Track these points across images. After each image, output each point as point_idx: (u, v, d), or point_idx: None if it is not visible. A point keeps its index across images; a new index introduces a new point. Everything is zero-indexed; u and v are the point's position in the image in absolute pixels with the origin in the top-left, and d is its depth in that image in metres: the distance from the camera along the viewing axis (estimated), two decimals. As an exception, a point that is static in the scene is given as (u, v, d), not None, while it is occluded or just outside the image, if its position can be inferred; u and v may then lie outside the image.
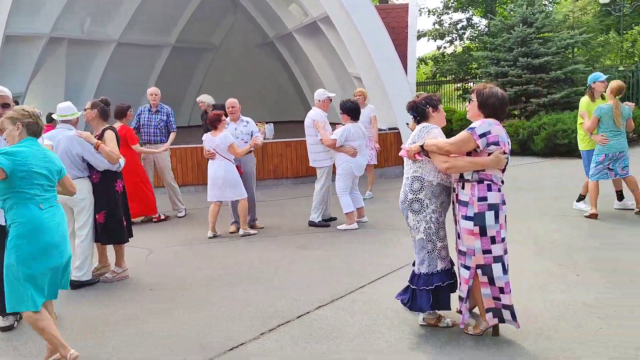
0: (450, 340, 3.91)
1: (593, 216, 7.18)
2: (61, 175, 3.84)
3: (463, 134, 3.80)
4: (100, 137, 5.57)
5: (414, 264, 4.18)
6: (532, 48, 16.04)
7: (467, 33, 28.03)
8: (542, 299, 4.55)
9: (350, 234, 7.08)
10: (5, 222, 3.67)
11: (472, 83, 21.86)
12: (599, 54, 21.06)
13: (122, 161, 5.63)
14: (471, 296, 3.99)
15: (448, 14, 28.19)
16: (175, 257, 6.45)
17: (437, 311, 4.13)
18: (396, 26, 12.67)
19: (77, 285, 5.35)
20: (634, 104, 7.67)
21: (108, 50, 15.28)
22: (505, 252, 3.86)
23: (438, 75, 26.58)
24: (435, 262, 4.03)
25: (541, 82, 15.87)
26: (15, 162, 3.51)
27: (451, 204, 4.08)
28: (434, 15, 28.57)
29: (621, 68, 19.40)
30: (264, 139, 11.25)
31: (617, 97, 7.09)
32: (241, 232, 7.25)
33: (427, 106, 4.13)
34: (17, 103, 5.08)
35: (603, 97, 7.47)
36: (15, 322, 4.50)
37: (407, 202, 4.06)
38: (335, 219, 7.75)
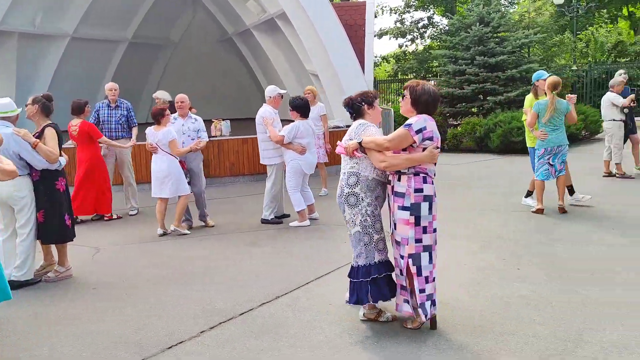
0: (389, 335, 3.95)
1: (539, 211, 7.37)
2: None
3: (400, 130, 3.87)
4: (41, 134, 5.44)
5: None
6: (488, 47, 16.33)
7: (428, 32, 28.37)
8: (482, 293, 4.64)
9: (301, 231, 7.09)
10: None
11: (433, 81, 22.12)
12: (553, 54, 21.56)
13: (62, 160, 5.50)
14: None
15: (409, 12, 28.50)
16: (123, 256, 6.35)
17: (377, 306, 4.18)
18: (354, 24, 12.72)
19: (17, 285, 5.21)
20: (575, 95, 7.83)
21: (61, 44, 14.93)
22: (435, 242, 4.00)
23: (400, 73, 26.83)
24: (372, 254, 4.08)
25: (498, 80, 16.18)
26: None
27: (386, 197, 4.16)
28: (395, 13, 28.82)
29: (574, 67, 19.91)
30: (220, 135, 11.21)
31: (554, 92, 7.24)
32: (172, 228, 7.07)
33: (363, 103, 4.18)
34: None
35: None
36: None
37: (343, 196, 4.11)
38: (288, 215, 7.75)
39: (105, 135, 8.24)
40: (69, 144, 8.55)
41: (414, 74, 26.03)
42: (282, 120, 7.74)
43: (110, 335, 4.14)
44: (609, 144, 10.05)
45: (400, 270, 4.01)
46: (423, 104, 3.91)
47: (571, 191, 7.83)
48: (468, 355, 3.61)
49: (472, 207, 8.04)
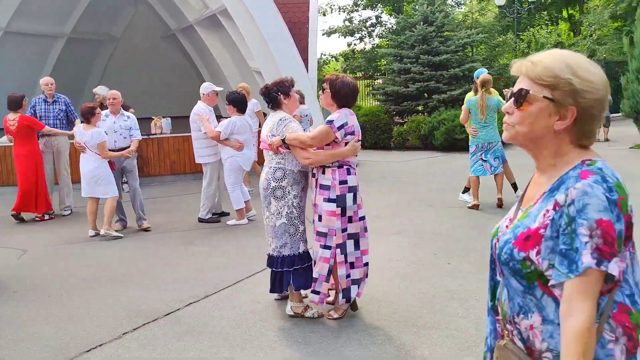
0: (314, 332, 3.93)
1: (475, 207, 7.51)
2: None
3: (322, 128, 3.91)
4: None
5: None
6: (433, 46, 16.58)
7: (377, 30, 28.60)
8: (410, 288, 4.67)
9: (237, 229, 7.00)
10: None
11: (380, 80, 22.32)
12: (497, 54, 22.09)
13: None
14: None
15: (357, 11, 28.64)
16: (51, 257, 6.12)
17: (304, 300, 4.21)
18: (297, 21, 12.69)
19: None
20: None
21: (-6, 39, 14.33)
22: (366, 229, 4.09)
23: (348, 71, 26.94)
24: (297, 244, 4.14)
25: (442, 78, 16.45)
26: None
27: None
28: (344, 12, 28.92)
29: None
30: (161, 133, 10.97)
31: (483, 89, 7.39)
32: (102, 231, 6.73)
33: (279, 93, 4.16)
34: None
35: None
36: None
37: (270, 189, 4.11)
38: (227, 214, 7.65)
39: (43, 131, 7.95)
40: (4, 140, 8.24)
41: (363, 72, 26.20)
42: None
43: (28, 339, 3.97)
44: (543, 141, 10.33)
45: (315, 262, 4.05)
46: (343, 97, 3.96)
47: (515, 188, 7.98)
48: (390, 349, 3.63)
49: (411, 203, 8.13)
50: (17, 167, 7.72)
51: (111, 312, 4.45)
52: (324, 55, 29.63)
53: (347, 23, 28.48)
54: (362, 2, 28.33)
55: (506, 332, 1.52)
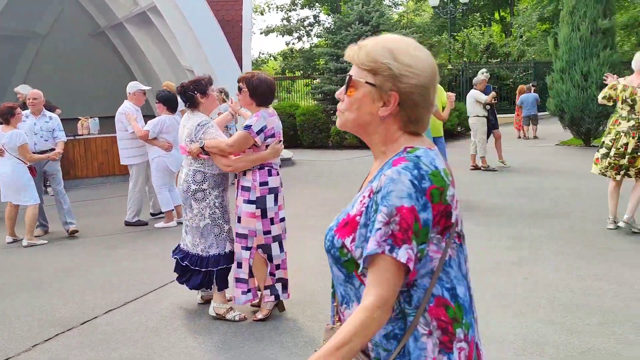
0: (236, 335, 3.83)
1: None
2: None
3: (241, 134, 3.82)
4: None
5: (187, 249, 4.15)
6: (368, 45, 16.71)
7: (315, 30, 28.67)
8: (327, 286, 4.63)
9: (165, 232, 6.80)
10: None
11: (318, 79, 22.37)
12: (432, 53, 22.50)
13: None
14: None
15: (295, 10, 28.61)
16: (-39, 267, 5.75)
17: (227, 301, 4.16)
18: (231, 19, 12.48)
19: None
20: (454, 94, 8.09)
21: None
22: (284, 231, 4.07)
23: (287, 70, 26.89)
24: (224, 243, 4.08)
25: (377, 78, 16.60)
26: None
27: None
28: (282, 11, 28.83)
29: (450, 67, 20.91)
30: (88, 133, 10.57)
31: None
32: (24, 242, 6.37)
33: (195, 92, 4.05)
34: None
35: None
36: None
37: (190, 192, 4.02)
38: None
39: None
40: None
41: (301, 72, 26.20)
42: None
43: None
44: (474, 139, 10.61)
45: (239, 263, 3.97)
46: (261, 94, 3.88)
47: None
48: (312, 351, 3.56)
49: (346, 200, 8.11)
50: None
51: (24, 322, 4.21)
52: (263, 54, 29.49)
53: (285, 22, 28.41)
54: (300, 2, 28.32)
55: (337, 318, 1.50)
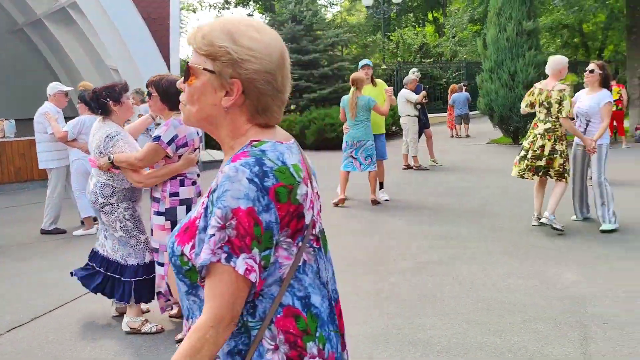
0: (151, 349, 3.59)
1: (340, 202, 7.55)
2: None
3: (150, 146, 3.55)
4: None
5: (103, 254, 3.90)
6: (302, 45, 16.62)
7: (250, 29, 28.33)
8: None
9: (84, 240, 6.41)
10: None
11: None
12: (367, 53, 22.70)
13: None
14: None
15: (229, 9, 28.19)
16: None
17: (142, 313, 3.91)
18: (158, 17, 12.07)
19: None
20: (391, 88, 8.02)
21: None
22: None
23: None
24: (143, 254, 3.86)
25: (312, 77, 16.54)
26: None
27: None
28: (215, 9, 28.35)
29: (384, 67, 21.10)
30: (3, 137, 9.94)
31: (354, 88, 7.40)
32: None
33: (108, 99, 3.77)
34: None
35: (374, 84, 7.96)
36: None
37: (98, 205, 3.76)
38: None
39: None
40: None
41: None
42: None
43: None
44: (405, 139, 10.66)
45: (160, 275, 3.74)
46: (172, 96, 3.62)
47: (380, 186, 8.07)
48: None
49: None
50: None
51: None
52: (197, 53, 28.84)
53: (219, 21, 27.95)
54: (234, 0, 27.93)
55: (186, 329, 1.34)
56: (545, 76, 6.07)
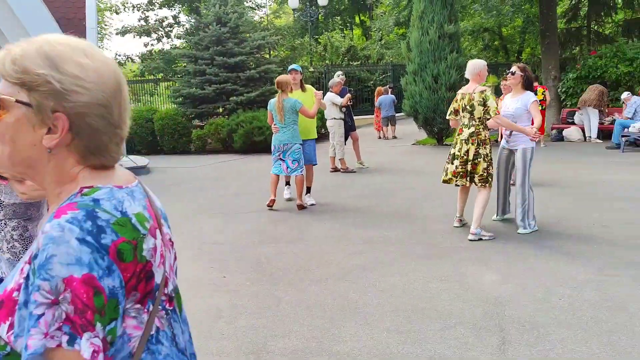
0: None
1: (271, 202, 7.52)
2: None
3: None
4: None
5: None
6: (228, 47, 16.31)
7: (175, 31, 27.64)
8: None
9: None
10: None
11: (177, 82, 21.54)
12: (295, 55, 22.61)
13: None
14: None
15: (153, 10, 27.38)
16: None
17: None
18: (73, 17, 11.48)
19: None
20: (321, 92, 7.92)
21: None
22: None
23: (146, 73, 25.65)
24: None
25: (238, 80, 16.26)
26: None
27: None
28: (138, 10, 27.46)
29: (312, 69, 21.08)
30: None
31: (280, 91, 7.30)
32: None
33: None
34: None
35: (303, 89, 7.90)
36: None
37: None
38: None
39: None
40: None
41: (162, 74, 25.12)
42: None
43: None
44: (332, 141, 10.62)
45: None
46: None
47: (308, 190, 7.97)
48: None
49: (199, 211, 7.70)
50: None
51: None
52: (120, 56, 27.84)
53: (142, 22, 27.08)
54: (158, 1, 27.15)
55: None
56: (467, 80, 6.08)
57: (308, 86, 8.16)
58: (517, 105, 5.84)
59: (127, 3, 27.32)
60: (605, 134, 13.38)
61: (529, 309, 3.92)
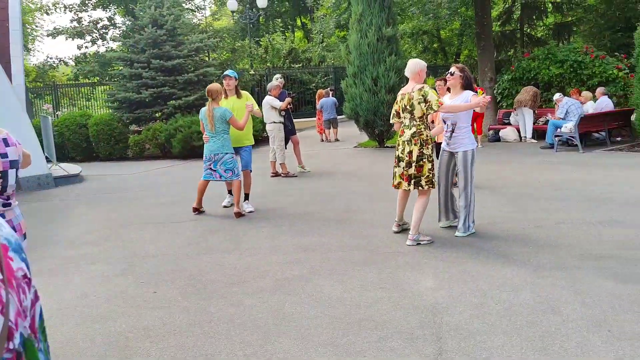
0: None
1: (194, 210, 7.49)
2: None
3: None
4: None
5: None
6: (164, 50, 15.89)
7: (110, 33, 26.76)
8: (102, 331, 3.96)
9: None
10: None
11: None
12: (235, 58, 22.28)
13: None
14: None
15: (87, 11, 26.43)
16: None
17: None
18: (-6, 18, 10.87)
19: None
20: (251, 103, 7.72)
21: None
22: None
23: (81, 77, 24.72)
24: None
25: (176, 84, 15.86)
26: None
27: None
28: (71, 11, 26.44)
29: (252, 72, 20.84)
30: None
31: (210, 99, 7.14)
32: None
33: None
34: None
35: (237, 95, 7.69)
36: None
37: None
38: None
39: None
40: None
41: (98, 77, 24.29)
42: None
43: None
44: (272, 146, 10.45)
45: None
46: None
47: (245, 198, 7.77)
48: None
49: (132, 221, 7.38)
50: None
51: None
52: (51, 58, 26.74)
53: (75, 24, 26.08)
54: (92, 2, 26.21)
55: None
56: (406, 81, 5.98)
57: (244, 92, 7.98)
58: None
59: (58, 4, 26.24)
60: (540, 133, 13.76)
61: (465, 315, 3.87)
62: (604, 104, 12.91)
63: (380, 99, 13.48)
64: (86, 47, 26.42)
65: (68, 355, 3.61)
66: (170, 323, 4.01)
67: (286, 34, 29.47)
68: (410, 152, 5.65)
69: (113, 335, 3.87)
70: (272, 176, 10.52)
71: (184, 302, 4.40)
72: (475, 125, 13.14)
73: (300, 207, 7.69)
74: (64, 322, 4.07)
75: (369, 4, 13.55)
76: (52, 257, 5.84)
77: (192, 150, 14.49)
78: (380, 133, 14.08)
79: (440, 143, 6.25)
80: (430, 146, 5.71)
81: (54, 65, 26.67)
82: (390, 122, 6.02)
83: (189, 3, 27.48)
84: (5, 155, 3.18)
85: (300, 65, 24.61)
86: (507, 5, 20.17)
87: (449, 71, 5.96)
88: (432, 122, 7.12)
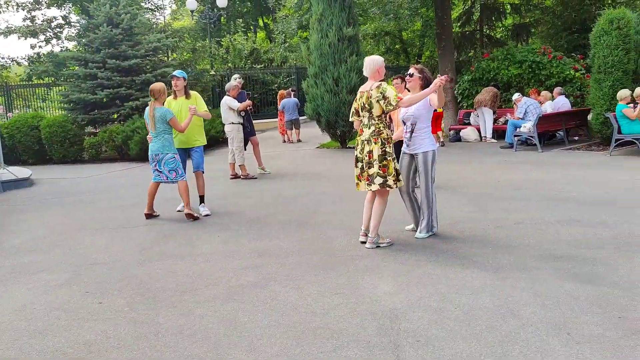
0: None
1: (147, 216, 7.29)
2: None
3: None
4: None
5: None
6: (120, 50, 15.45)
7: (65, 32, 25.98)
8: (39, 346, 3.69)
9: None
10: None
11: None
12: (195, 58, 21.89)
13: None
14: None
15: (40, 9, 25.59)
16: None
17: None
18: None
19: None
20: (194, 106, 7.47)
21: None
22: None
23: (34, 77, 23.92)
24: None
25: (133, 84, 15.44)
26: None
27: None
28: (24, 10, 25.56)
29: (212, 72, 20.50)
30: None
31: (154, 99, 7.00)
32: None
33: None
34: None
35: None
36: None
37: None
38: None
39: None
40: None
41: (53, 78, 23.52)
42: None
43: None
44: (231, 147, 10.22)
45: None
46: None
47: (201, 200, 7.54)
48: None
49: (82, 227, 7.06)
50: None
51: None
52: (3, 58, 25.82)
53: (28, 22, 25.23)
54: (46, 0, 25.40)
55: None
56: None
57: (194, 93, 7.73)
58: (417, 105, 5.63)
59: (10, 1, 25.32)
60: (499, 133, 13.86)
61: (424, 320, 3.75)
62: (561, 103, 13.09)
63: (341, 99, 13.37)
64: (40, 46, 25.60)
65: (0, 375, 3.35)
66: (115, 337, 3.77)
67: (248, 34, 29.15)
68: (371, 152, 5.47)
69: (50, 351, 3.61)
70: (232, 178, 10.29)
71: (131, 313, 4.17)
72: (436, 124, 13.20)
73: (258, 210, 7.49)
74: (5, 335, 3.79)
75: (329, 4, 13.42)
76: (-8, 267, 5.50)
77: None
78: (342, 134, 13.98)
79: (400, 142, 6.11)
80: (391, 144, 5.55)
81: (6, 65, 25.75)
82: (350, 120, 5.86)
83: (148, 2, 26.92)
84: None
85: (262, 65, 24.34)
86: (466, 7, 20.34)
87: (408, 72, 5.84)
88: (391, 120, 7.02)
